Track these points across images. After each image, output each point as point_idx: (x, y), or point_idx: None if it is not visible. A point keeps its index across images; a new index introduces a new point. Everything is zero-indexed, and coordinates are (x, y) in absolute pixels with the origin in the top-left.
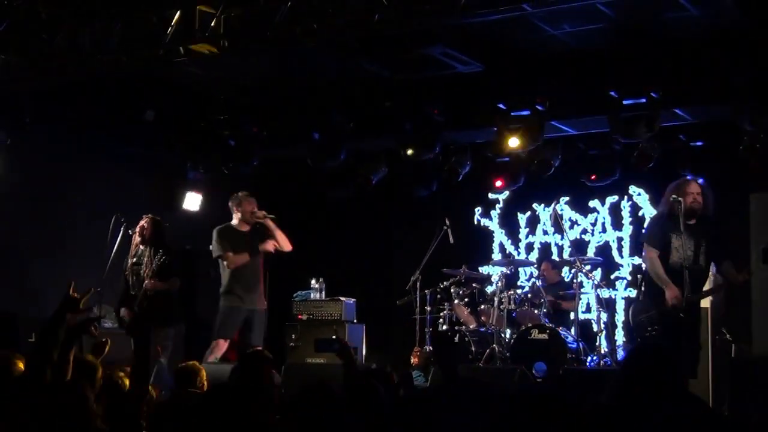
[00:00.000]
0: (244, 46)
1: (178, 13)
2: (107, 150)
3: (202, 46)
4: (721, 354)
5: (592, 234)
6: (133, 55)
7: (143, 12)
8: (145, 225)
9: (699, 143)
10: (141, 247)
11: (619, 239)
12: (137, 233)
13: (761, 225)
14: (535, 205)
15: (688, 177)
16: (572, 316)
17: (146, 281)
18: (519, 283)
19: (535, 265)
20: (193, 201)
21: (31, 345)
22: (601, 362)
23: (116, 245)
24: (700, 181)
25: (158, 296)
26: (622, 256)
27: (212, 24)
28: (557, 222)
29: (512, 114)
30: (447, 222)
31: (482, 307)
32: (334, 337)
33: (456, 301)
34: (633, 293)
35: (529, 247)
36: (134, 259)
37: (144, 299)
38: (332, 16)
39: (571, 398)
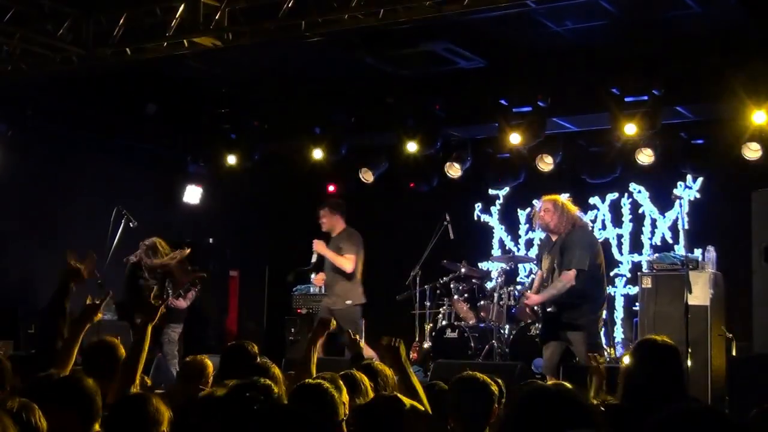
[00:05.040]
0: (248, 39)
1: (183, 5)
2: (108, 143)
3: (205, 39)
4: (721, 352)
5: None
6: (136, 47)
7: (147, 4)
8: (148, 255)
9: (700, 141)
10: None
11: (619, 236)
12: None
13: (763, 222)
14: (535, 202)
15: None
16: None
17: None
18: (519, 279)
19: (535, 261)
20: (193, 194)
21: (31, 336)
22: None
23: (117, 238)
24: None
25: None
26: (621, 254)
27: (216, 17)
28: None
29: (514, 110)
30: (447, 217)
31: (482, 302)
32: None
33: (455, 297)
34: (632, 290)
35: (529, 243)
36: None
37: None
38: (336, 11)
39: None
